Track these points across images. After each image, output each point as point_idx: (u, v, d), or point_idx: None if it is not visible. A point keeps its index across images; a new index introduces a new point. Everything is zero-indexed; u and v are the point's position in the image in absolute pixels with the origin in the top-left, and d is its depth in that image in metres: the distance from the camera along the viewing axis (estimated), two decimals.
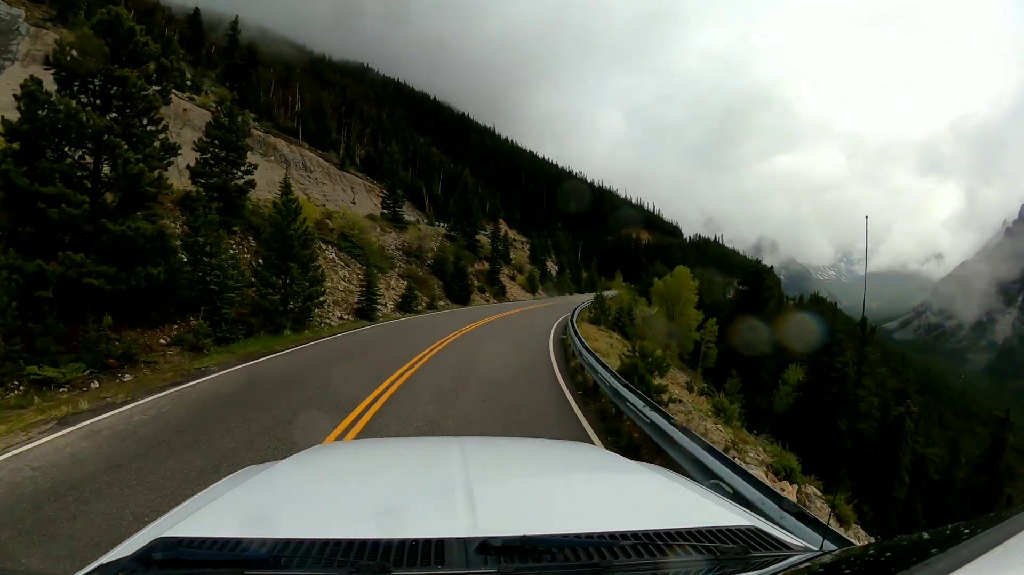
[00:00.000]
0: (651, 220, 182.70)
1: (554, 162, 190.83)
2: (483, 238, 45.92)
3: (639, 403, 5.93)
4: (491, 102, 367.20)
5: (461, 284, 32.36)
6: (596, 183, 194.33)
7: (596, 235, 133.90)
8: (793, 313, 36.28)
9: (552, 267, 61.06)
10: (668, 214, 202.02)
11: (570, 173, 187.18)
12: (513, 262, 50.90)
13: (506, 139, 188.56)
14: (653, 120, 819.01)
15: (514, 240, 65.44)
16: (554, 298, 48.61)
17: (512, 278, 46.92)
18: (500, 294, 40.36)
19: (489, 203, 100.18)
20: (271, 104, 49.36)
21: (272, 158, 37.29)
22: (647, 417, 5.44)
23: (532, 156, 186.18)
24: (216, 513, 1.11)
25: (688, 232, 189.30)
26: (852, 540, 2.65)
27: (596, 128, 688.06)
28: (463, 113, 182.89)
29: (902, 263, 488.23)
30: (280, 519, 1.04)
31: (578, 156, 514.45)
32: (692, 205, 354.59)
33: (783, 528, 1.16)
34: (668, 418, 5.13)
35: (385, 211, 35.99)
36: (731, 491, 3.17)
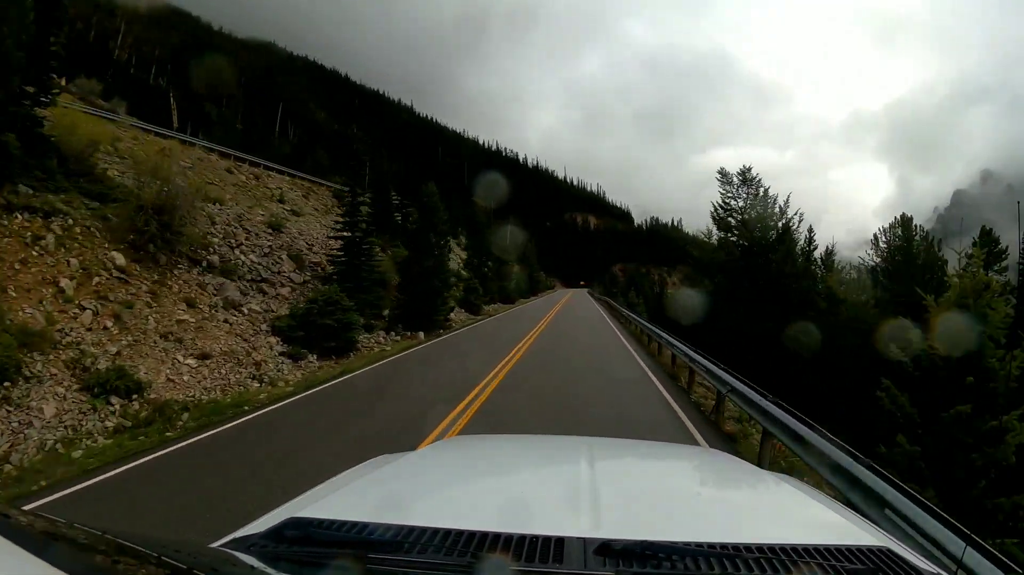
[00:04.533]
0: (598, 203, 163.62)
1: (480, 140, 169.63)
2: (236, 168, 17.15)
3: None
4: (417, 83, 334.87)
5: None
6: (532, 162, 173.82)
7: (533, 218, 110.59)
8: None
9: (456, 253, 33.56)
10: (612, 200, 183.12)
11: (500, 151, 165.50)
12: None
13: (426, 117, 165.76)
14: (594, 106, 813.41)
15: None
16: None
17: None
18: None
19: (386, 167, 74.49)
20: None
21: None
22: None
23: (456, 134, 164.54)
24: (346, 498, 1.16)
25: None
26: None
27: (535, 111, 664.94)
28: (378, 90, 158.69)
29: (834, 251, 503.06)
30: (406, 506, 1.06)
31: (517, 139, 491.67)
32: (628, 196, 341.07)
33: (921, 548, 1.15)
34: None
35: None
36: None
